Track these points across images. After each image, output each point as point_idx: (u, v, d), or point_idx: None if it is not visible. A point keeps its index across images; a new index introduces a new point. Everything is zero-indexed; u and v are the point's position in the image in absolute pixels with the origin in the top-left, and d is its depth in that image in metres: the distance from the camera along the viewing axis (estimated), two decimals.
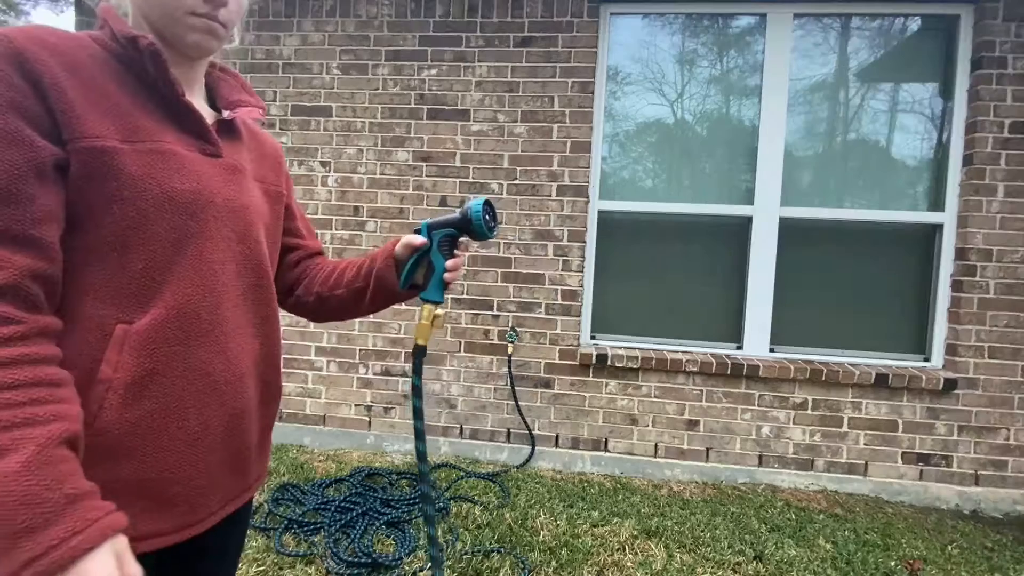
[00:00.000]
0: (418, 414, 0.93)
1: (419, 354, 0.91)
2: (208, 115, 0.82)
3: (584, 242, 2.82)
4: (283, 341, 2.96)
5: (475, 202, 0.90)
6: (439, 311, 0.91)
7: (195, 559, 0.81)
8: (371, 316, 2.93)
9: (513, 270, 2.85)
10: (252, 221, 0.81)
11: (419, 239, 0.91)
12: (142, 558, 0.60)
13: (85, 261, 0.64)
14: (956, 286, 2.64)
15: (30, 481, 0.51)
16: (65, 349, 0.62)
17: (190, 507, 0.72)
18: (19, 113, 0.59)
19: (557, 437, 2.84)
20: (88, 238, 0.64)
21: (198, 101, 0.83)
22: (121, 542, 0.56)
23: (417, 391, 0.93)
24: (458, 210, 0.91)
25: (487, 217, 0.90)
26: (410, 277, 0.93)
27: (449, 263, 0.91)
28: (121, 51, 0.69)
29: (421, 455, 0.93)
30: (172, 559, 0.74)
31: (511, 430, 2.86)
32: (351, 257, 0.94)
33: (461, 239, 0.93)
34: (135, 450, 0.66)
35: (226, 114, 0.84)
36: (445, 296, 0.93)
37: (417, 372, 0.92)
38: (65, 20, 11.36)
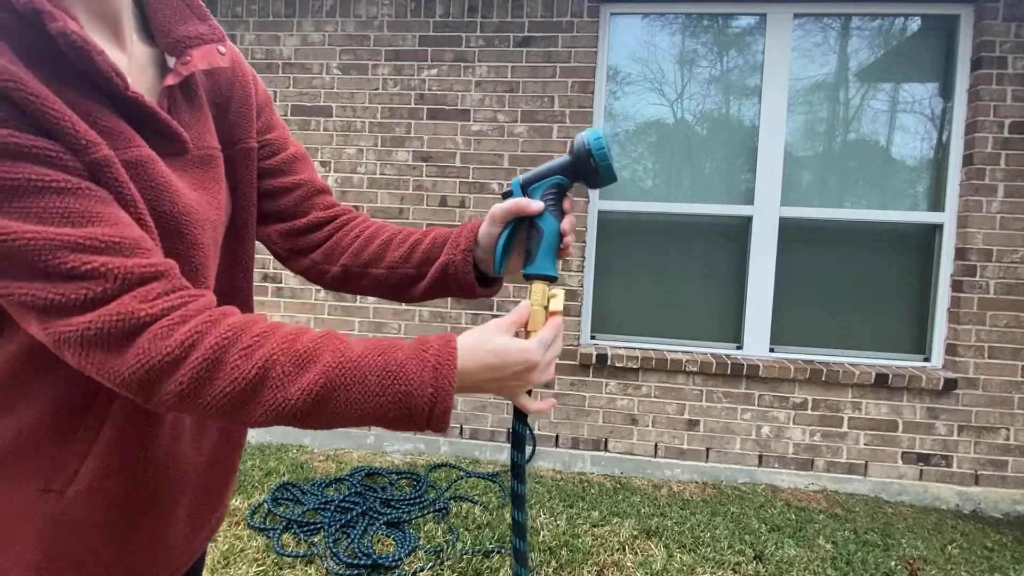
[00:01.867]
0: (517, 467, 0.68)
1: None
2: (146, 63, 0.55)
3: (584, 242, 2.82)
4: None
5: (591, 133, 0.63)
6: (555, 290, 0.64)
7: None
8: (371, 316, 2.93)
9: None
10: (222, 224, 0.62)
11: (533, 204, 0.64)
12: None
13: None
14: (956, 286, 2.63)
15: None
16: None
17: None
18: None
19: (557, 437, 2.84)
20: None
21: (136, 51, 0.55)
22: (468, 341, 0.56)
23: (520, 442, 0.69)
24: (565, 154, 0.66)
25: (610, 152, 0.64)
26: (507, 256, 0.69)
27: (564, 223, 0.66)
28: (22, 21, 0.44)
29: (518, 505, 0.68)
30: None
31: (511, 430, 2.86)
32: (390, 225, 0.76)
33: (569, 191, 0.68)
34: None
35: (174, 67, 0.55)
36: (559, 270, 0.66)
37: (519, 419, 0.68)
38: None
